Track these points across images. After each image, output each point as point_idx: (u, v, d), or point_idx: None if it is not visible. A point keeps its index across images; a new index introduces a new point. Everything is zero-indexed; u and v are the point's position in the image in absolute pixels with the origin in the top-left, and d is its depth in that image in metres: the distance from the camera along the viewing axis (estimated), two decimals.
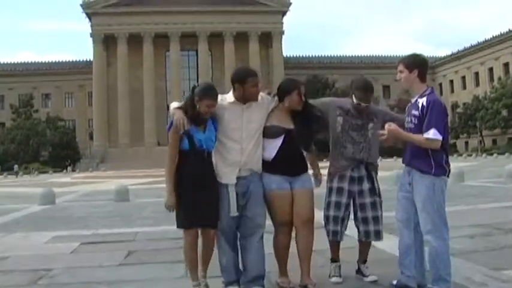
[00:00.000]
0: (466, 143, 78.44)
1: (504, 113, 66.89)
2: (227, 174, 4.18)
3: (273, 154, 4.22)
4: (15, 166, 62.09)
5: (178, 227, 4.14)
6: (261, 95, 4.29)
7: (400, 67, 4.04)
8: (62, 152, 72.99)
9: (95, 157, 71.09)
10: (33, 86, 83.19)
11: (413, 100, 4.05)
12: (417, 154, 3.92)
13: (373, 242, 4.62)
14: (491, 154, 57.44)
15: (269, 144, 4.24)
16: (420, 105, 3.91)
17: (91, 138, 77.28)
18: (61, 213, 12.03)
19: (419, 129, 3.88)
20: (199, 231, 4.13)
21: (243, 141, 4.18)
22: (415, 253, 4.03)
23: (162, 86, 79.20)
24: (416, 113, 3.93)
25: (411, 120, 3.98)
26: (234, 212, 4.14)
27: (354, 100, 4.36)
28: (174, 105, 4.25)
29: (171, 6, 75.19)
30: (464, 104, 77.06)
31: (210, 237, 4.16)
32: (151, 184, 22.21)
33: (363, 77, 4.71)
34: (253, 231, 4.25)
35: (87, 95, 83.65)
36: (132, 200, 14.84)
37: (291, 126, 4.24)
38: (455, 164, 33.98)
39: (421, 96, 3.95)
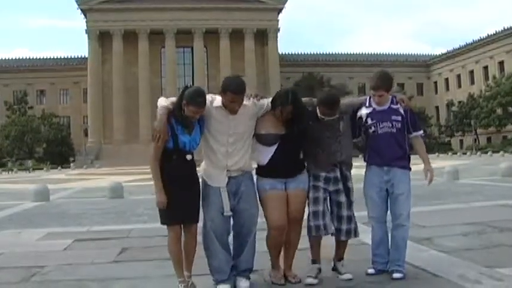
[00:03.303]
0: (461, 141, 78.69)
1: (499, 111, 67.09)
2: (216, 177, 4.21)
3: (267, 159, 4.31)
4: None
5: (161, 223, 4.19)
6: (250, 101, 4.25)
7: (382, 92, 4.52)
8: (56, 149, 72.79)
9: (89, 154, 70.71)
10: (28, 83, 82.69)
11: (384, 107, 4.57)
12: (401, 155, 4.55)
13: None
14: (486, 152, 57.52)
15: (265, 150, 4.31)
16: (402, 111, 4.57)
17: (86, 135, 76.87)
18: (55, 209, 11.98)
19: (402, 130, 4.55)
20: (182, 228, 4.16)
21: (229, 145, 4.19)
22: (386, 242, 4.56)
23: (157, 82, 78.87)
24: (399, 118, 4.55)
25: (393, 124, 4.53)
26: (227, 212, 4.18)
27: (318, 114, 4.40)
28: (161, 102, 4.13)
29: (167, 2, 74.86)
30: (459, 102, 77.26)
31: (192, 232, 4.19)
32: (146, 181, 22.09)
33: (330, 92, 4.69)
34: (247, 231, 4.28)
35: (82, 92, 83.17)
36: (126, 197, 14.81)
37: (283, 131, 4.29)
38: (450, 162, 34.16)
39: (393, 103, 4.59)
